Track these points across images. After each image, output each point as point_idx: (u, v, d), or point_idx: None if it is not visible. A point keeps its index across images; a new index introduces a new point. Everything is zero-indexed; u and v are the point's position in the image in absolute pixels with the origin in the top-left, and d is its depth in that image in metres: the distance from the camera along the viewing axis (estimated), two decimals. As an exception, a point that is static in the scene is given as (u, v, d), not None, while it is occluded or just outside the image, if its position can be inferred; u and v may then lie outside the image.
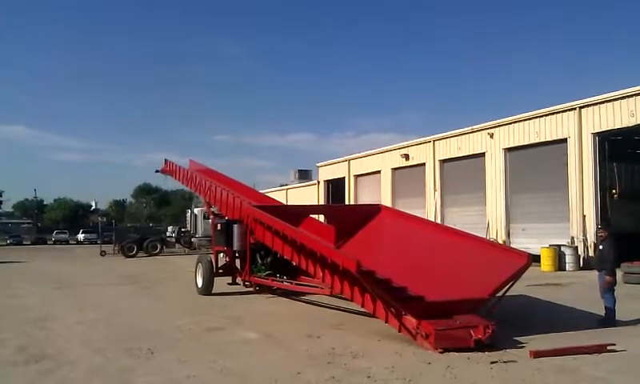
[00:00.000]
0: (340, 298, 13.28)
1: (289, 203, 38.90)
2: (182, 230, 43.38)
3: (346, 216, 15.41)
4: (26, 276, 24.21)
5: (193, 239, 40.37)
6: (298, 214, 14.89)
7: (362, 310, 10.89)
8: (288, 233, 11.76)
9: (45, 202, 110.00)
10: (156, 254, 37.29)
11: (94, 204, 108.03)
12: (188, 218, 42.83)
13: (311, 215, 15.97)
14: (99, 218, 68.93)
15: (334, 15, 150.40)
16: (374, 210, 15.08)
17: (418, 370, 7.25)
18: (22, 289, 18.66)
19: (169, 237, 43.19)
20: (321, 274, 10.69)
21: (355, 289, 9.61)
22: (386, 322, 9.10)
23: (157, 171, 23.17)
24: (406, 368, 7.30)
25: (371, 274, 9.38)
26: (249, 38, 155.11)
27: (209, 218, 39.45)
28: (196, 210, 41.63)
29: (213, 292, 15.42)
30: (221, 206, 17.06)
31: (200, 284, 15.78)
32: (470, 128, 29.50)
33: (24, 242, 70.84)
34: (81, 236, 69.30)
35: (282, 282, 14.30)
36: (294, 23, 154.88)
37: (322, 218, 17.03)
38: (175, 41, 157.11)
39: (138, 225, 70.92)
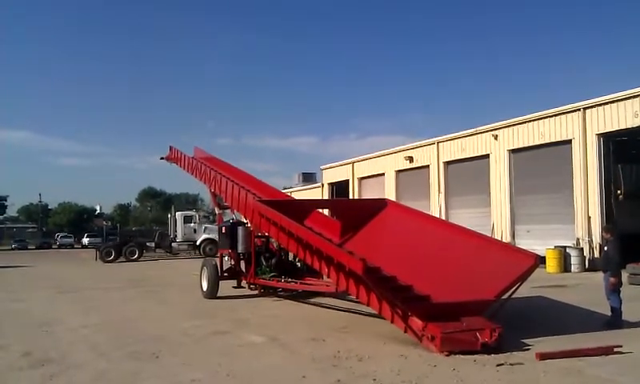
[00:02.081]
0: (344, 299, 13.31)
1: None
2: (162, 234, 42.26)
3: (351, 210, 15.19)
4: (31, 280, 24.28)
5: (173, 244, 39.61)
6: (303, 209, 14.79)
7: (367, 312, 10.90)
8: (294, 230, 11.67)
9: (49, 207, 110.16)
10: (135, 260, 36.25)
11: (98, 208, 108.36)
12: (170, 222, 41.92)
13: (317, 210, 15.79)
14: (104, 222, 69.21)
15: (337, 16, 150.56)
16: (380, 204, 14.81)
17: (424, 372, 7.23)
18: (26, 293, 18.69)
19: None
20: (326, 271, 10.64)
21: (361, 287, 9.51)
22: (392, 322, 9.05)
23: (161, 158, 23.09)
24: (411, 371, 7.28)
25: (377, 271, 9.32)
26: (250, 39, 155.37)
27: (190, 223, 39.61)
28: (177, 214, 41.14)
29: (218, 295, 15.40)
30: (226, 197, 16.87)
31: (205, 287, 15.76)
32: (474, 129, 29.45)
33: (29, 247, 71.01)
34: (85, 240, 69.42)
35: (288, 282, 14.25)
36: (295, 24, 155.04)
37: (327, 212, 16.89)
38: (176, 42, 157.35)
39: (143, 228, 71.02)
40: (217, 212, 19.30)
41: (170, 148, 22.47)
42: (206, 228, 40.46)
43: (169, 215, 44.29)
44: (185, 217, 40.75)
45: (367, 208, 14.80)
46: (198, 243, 39.22)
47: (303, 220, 13.49)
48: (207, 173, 18.60)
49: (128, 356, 8.66)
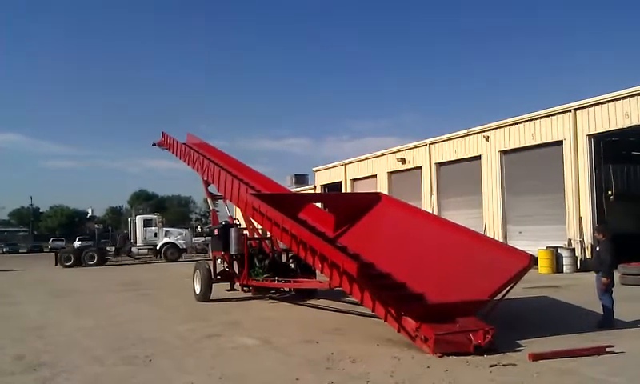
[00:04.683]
0: (337, 300, 13.32)
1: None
2: (124, 237, 41.30)
3: (345, 205, 14.97)
4: (22, 284, 24.13)
5: (133, 248, 39.00)
6: (298, 202, 14.70)
7: (360, 313, 10.91)
8: (288, 226, 11.60)
9: (41, 210, 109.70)
10: (93, 265, 35.28)
11: (90, 211, 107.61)
12: (130, 226, 41.37)
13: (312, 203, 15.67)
14: (95, 225, 68.70)
15: (330, 18, 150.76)
16: (374, 198, 14.56)
17: (417, 373, 7.24)
18: (18, 297, 18.59)
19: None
20: (320, 267, 10.60)
21: (354, 285, 9.45)
22: (385, 321, 9.03)
23: (154, 144, 23.17)
24: (405, 372, 7.29)
25: (370, 267, 9.25)
26: (243, 41, 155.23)
27: (151, 227, 39.16)
28: (137, 218, 40.66)
29: (211, 298, 15.34)
30: (219, 187, 16.69)
31: (198, 290, 15.69)
32: (466, 131, 29.52)
33: (20, 250, 70.59)
34: (77, 243, 68.86)
35: (281, 282, 14.18)
36: (288, 26, 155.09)
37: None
38: (169, 45, 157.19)
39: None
40: (210, 207, 19.13)
41: (163, 134, 22.45)
42: (167, 232, 40.07)
43: (128, 219, 43.52)
44: (145, 220, 40.21)
45: (361, 202, 14.52)
46: (158, 247, 38.80)
47: (298, 213, 13.40)
48: (200, 161, 18.24)
49: (121, 360, 8.62)
